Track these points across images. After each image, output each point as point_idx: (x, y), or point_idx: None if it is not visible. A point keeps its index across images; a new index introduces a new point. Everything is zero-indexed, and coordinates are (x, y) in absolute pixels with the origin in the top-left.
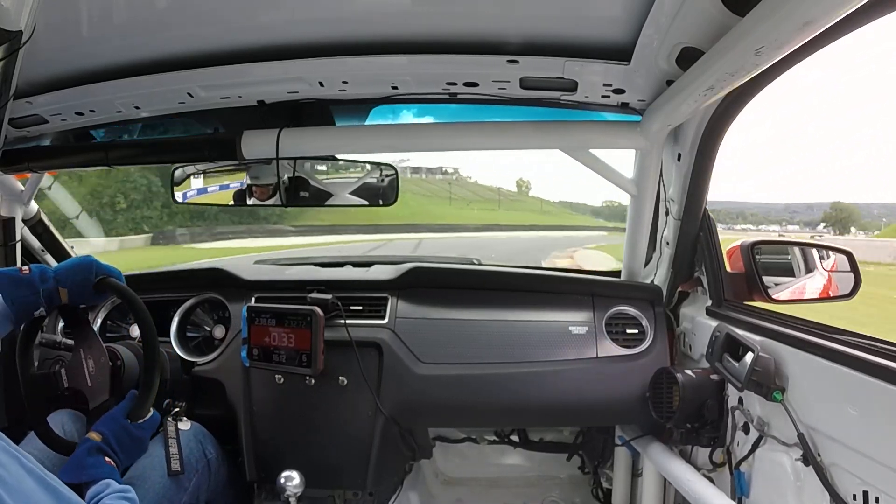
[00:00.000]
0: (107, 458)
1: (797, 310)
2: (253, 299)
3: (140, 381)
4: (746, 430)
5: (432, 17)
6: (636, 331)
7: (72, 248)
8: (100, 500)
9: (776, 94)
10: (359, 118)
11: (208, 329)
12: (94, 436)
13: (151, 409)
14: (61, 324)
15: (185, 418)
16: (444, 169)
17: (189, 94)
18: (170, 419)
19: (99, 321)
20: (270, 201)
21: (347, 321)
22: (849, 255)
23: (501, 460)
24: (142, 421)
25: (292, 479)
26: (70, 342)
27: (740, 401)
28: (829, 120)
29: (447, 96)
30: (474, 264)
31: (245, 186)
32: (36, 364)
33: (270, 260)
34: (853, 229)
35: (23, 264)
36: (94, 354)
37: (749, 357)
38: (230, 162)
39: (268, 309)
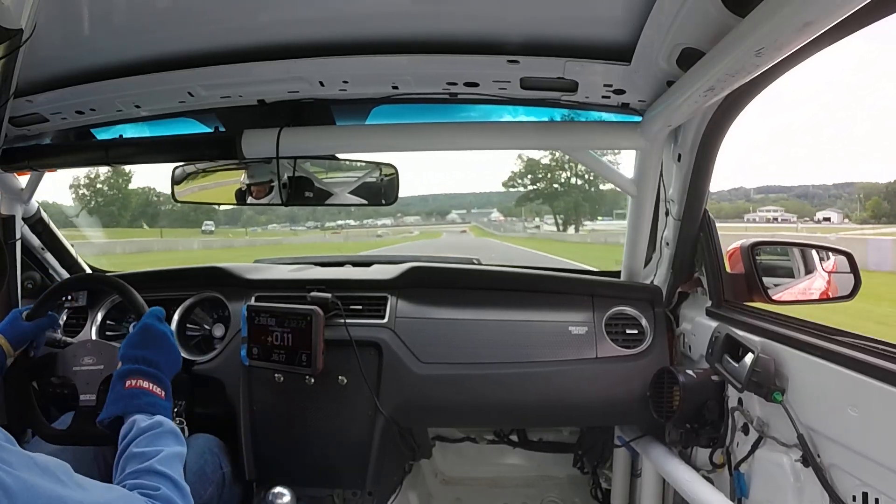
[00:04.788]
0: (139, 382)
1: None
2: (253, 298)
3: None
4: (746, 430)
5: (432, 17)
6: (636, 331)
7: (72, 245)
8: (126, 449)
9: None
10: (359, 118)
11: (208, 328)
12: (118, 364)
13: (145, 307)
14: (61, 322)
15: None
16: None
17: (189, 94)
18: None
19: (99, 318)
20: (270, 200)
21: (347, 321)
22: (849, 256)
23: (501, 460)
24: (143, 318)
25: (283, 497)
26: (71, 340)
27: (740, 401)
28: None
29: (447, 96)
30: (474, 264)
31: (245, 185)
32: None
33: (270, 259)
34: None
35: (23, 262)
36: (77, 352)
37: (749, 358)
38: (230, 161)
39: (268, 308)
